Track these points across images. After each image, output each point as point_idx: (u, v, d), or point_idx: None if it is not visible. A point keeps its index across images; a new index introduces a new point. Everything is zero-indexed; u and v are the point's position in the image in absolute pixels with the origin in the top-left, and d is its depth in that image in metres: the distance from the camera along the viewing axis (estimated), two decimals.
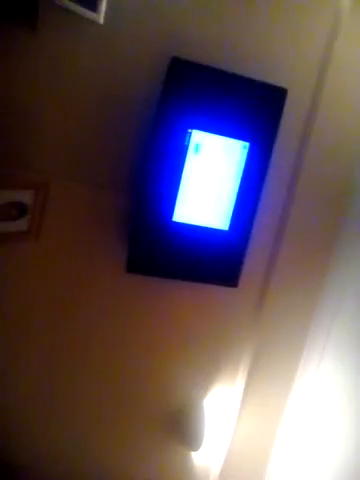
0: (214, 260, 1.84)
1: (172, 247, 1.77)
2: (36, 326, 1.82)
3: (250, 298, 2.09)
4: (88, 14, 1.52)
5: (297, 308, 2.15)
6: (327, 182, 2.01)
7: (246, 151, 1.72)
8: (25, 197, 1.58)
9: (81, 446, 2.04)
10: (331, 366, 2.06)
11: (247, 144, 1.71)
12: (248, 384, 2.17)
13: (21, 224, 1.60)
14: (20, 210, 1.58)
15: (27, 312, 1.79)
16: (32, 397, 1.90)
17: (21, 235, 1.62)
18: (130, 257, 1.73)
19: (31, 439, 1.94)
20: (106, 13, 1.56)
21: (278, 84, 1.69)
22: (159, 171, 1.66)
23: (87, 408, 2.00)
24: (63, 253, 1.77)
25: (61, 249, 1.76)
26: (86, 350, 1.92)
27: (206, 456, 2.23)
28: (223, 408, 2.20)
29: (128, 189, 1.78)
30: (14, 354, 1.81)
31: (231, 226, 1.79)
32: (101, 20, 1.56)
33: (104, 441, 2.07)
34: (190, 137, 1.65)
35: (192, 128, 1.65)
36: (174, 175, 1.68)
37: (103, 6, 1.54)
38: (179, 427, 2.12)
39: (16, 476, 1.94)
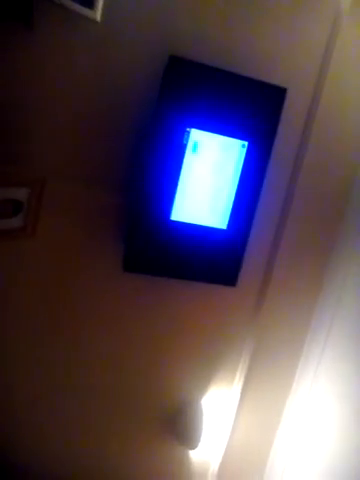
0: (213, 259, 1.83)
1: (170, 246, 1.76)
2: (31, 324, 1.82)
3: (249, 297, 2.08)
4: (85, 11, 1.52)
5: (296, 307, 2.14)
6: (327, 181, 2.00)
7: (245, 150, 1.71)
8: (20, 194, 1.58)
9: (79, 445, 2.04)
10: (330, 365, 2.05)
11: (246, 143, 1.70)
12: (247, 383, 2.16)
13: (16, 221, 1.60)
14: (15, 207, 1.58)
15: (22, 310, 1.79)
16: (27, 396, 1.91)
17: (16, 232, 1.63)
18: (127, 256, 1.73)
19: (27, 438, 1.96)
20: (103, 10, 1.55)
21: (277, 83, 1.68)
22: (157, 170, 1.65)
23: (85, 407, 2.00)
24: (59, 251, 1.77)
25: (57, 247, 1.76)
26: (82, 349, 1.92)
27: (204, 454, 2.23)
28: (222, 407, 2.20)
29: (125, 187, 1.77)
30: (8, 352, 1.82)
31: (230, 225, 1.78)
32: (98, 17, 1.55)
33: (102, 440, 2.08)
34: (188, 136, 1.64)
35: (190, 127, 1.64)
36: (172, 174, 1.67)
37: (100, 3, 1.53)
38: (177, 426, 2.12)
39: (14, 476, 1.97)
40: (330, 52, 1.85)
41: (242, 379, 2.16)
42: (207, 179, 1.74)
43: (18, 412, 1.91)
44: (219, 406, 2.19)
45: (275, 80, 1.69)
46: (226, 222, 1.78)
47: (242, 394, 2.18)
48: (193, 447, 2.09)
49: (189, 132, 1.64)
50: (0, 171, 1.54)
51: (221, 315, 2.06)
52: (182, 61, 1.56)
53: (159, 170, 1.65)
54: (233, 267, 1.87)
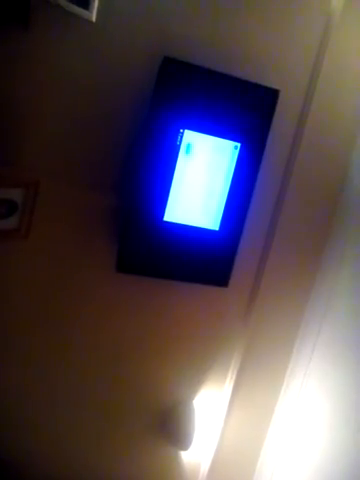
0: (205, 260, 1.84)
1: (163, 247, 1.77)
2: (25, 325, 1.81)
3: (241, 298, 2.09)
4: (80, 12, 1.52)
5: (287, 308, 2.15)
6: (318, 183, 2.02)
7: (237, 151, 1.72)
8: (15, 195, 1.58)
9: (70, 445, 2.03)
10: (320, 366, 2.06)
11: (238, 145, 1.72)
12: (238, 384, 2.17)
13: (11, 222, 1.60)
14: (10, 208, 1.58)
15: (16, 311, 1.78)
16: (20, 397, 1.89)
17: (11, 233, 1.62)
18: (120, 256, 1.73)
19: (21, 439, 1.94)
20: (98, 11, 1.55)
21: (270, 85, 1.70)
22: (150, 171, 1.66)
23: (75, 407, 1.99)
24: (53, 252, 1.77)
25: (51, 248, 1.76)
26: (74, 349, 1.92)
27: (195, 455, 2.23)
28: (213, 407, 2.20)
29: (119, 188, 1.77)
30: (2, 353, 1.81)
31: (222, 226, 1.79)
32: (93, 18, 1.55)
33: (93, 441, 2.07)
34: (182, 137, 1.65)
35: (184, 128, 1.64)
36: (165, 175, 1.68)
37: (95, 4, 1.53)
38: (169, 426, 2.11)
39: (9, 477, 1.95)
40: (322, 54, 1.87)
41: (233, 380, 2.16)
42: (200, 180, 1.75)
43: (12, 412, 1.90)
44: (211, 407, 2.19)
45: (268, 82, 1.70)
46: (218, 223, 1.79)
47: (233, 395, 2.18)
48: (185, 448, 2.09)
49: (182, 133, 1.65)
50: None
51: (213, 315, 2.06)
52: (176, 62, 1.57)
53: (152, 171, 1.66)
54: (225, 268, 1.88)
